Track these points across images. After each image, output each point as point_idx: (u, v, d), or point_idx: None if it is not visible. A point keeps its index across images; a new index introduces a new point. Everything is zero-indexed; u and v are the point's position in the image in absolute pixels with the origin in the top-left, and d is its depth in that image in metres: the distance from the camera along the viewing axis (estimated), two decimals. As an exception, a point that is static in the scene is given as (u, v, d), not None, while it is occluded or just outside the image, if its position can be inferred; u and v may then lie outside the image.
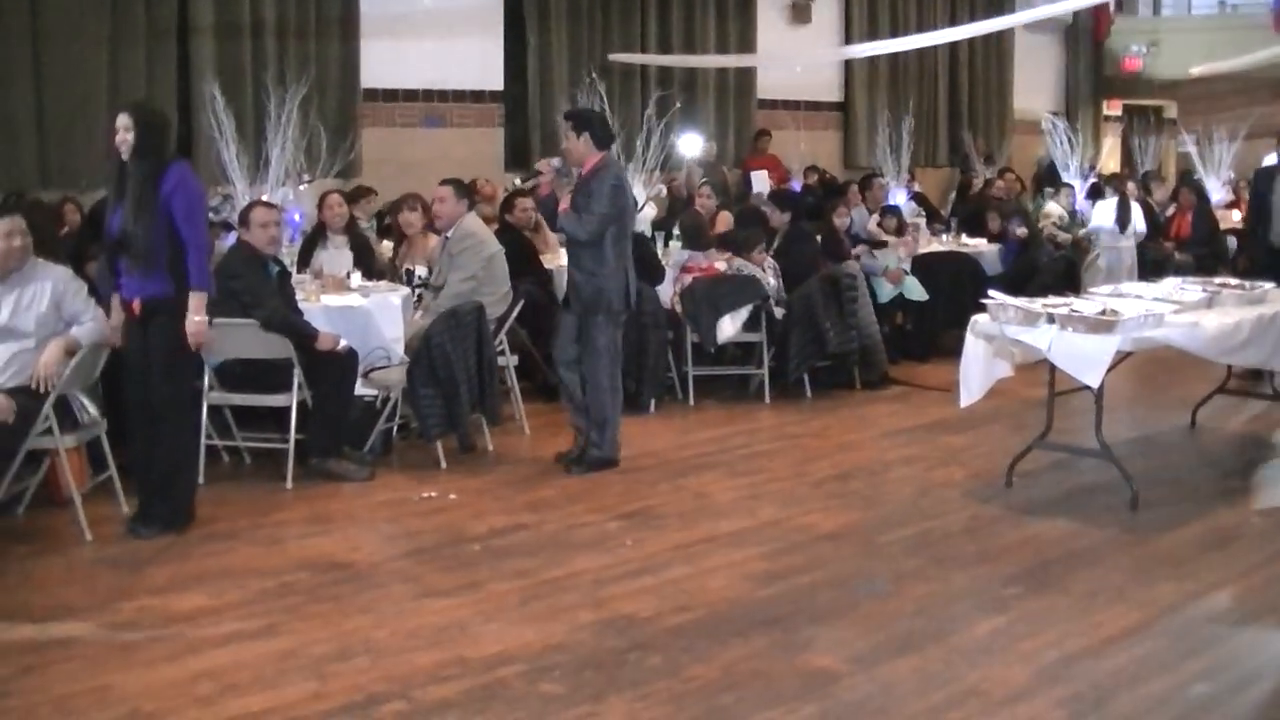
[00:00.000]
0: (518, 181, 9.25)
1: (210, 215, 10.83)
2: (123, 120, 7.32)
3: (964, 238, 15.26)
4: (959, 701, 5.40)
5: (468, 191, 10.48)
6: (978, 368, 8.53)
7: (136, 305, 7.35)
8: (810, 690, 5.51)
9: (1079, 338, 7.90)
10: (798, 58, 20.02)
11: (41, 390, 7.24)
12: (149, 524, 7.51)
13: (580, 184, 8.72)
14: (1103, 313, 8.01)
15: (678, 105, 16.18)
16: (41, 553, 7.23)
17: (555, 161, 8.98)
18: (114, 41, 13.78)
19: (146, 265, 7.25)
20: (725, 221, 13.27)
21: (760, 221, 12.60)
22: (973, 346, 8.53)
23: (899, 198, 16.94)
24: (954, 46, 22.21)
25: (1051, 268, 13.89)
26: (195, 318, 7.33)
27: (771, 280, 11.36)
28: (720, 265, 11.34)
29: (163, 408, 7.47)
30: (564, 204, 8.71)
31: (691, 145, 17.23)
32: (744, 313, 11.01)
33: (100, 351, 7.67)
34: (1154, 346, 8.37)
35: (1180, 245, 16.92)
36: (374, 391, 9.21)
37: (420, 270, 10.53)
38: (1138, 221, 16.04)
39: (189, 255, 7.29)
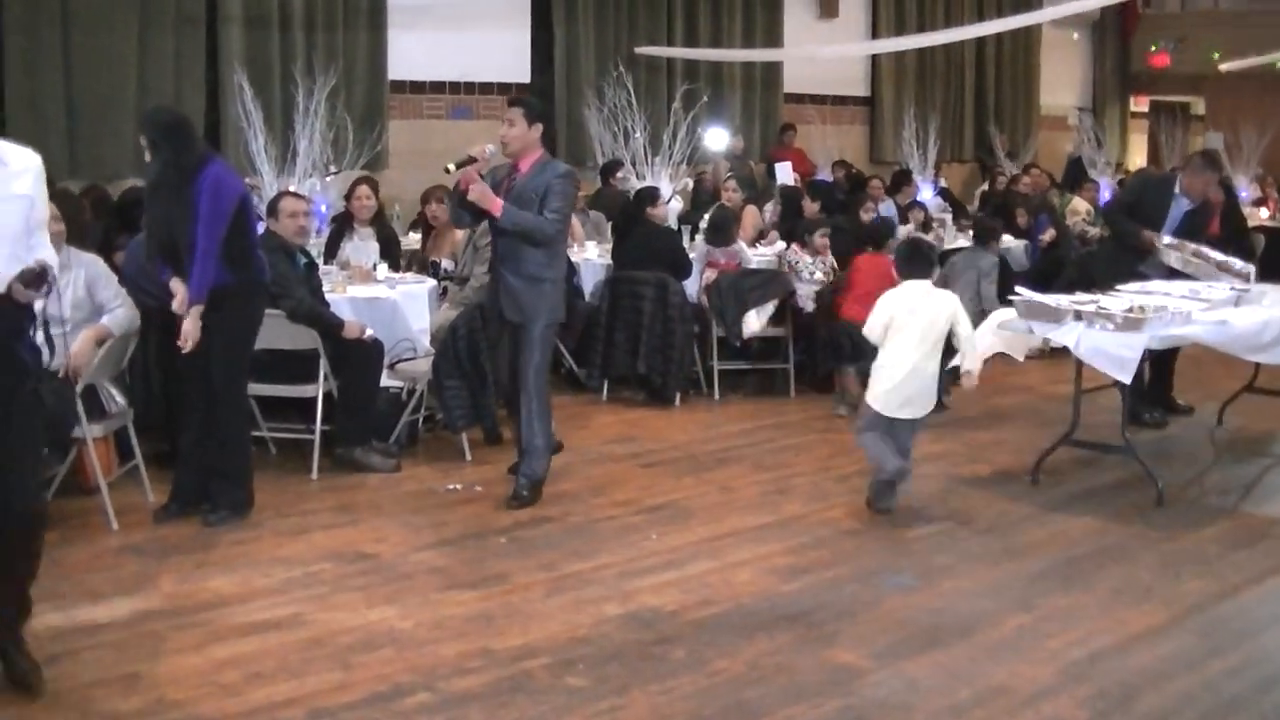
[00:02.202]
0: (451, 168, 7.96)
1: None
2: (142, 140, 7.39)
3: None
4: (984, 699, 5.40)
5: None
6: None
7: None
8: (834, 686, 5.50)
9: (1107, 335, 7.88)
10: (824, 52, 20.00)
11: (72, 380, 7.27)
12: (216, 510, 7.59)
13: (524, 181, 7.92)
14: (1130, 310, 7.99)
15: (704, 99, 16.14)
16: (69, 541, 7.24)
17: (491, 148, 7.96)
18: (143, 31, 13.85)
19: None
20: (752, 216, 13.29)
21: (798, 210, 12.72)
22: (983, 329, 8.53)
23: (925, 193, 16.91)
24: (981, 42, 22.19)
25: (1078, 264, 13.84)
26: (188, 325, 7.24)
27: (818, 273, 11.36)
28: (753, 261, 11.37)
29: (222, 395, 7.52)
30: (495, 205, 7.75)
31: (717, 139, 17.20)
32: (770, 307, 10.99)
33: (129, 340, 7.70)
34: (1181, 344, 8.36)
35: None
36: (400, 383, 9.22)
37: (446, 263, 10.55)
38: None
39: (195, 260, 7.19)
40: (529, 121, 7.92)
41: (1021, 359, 8.94)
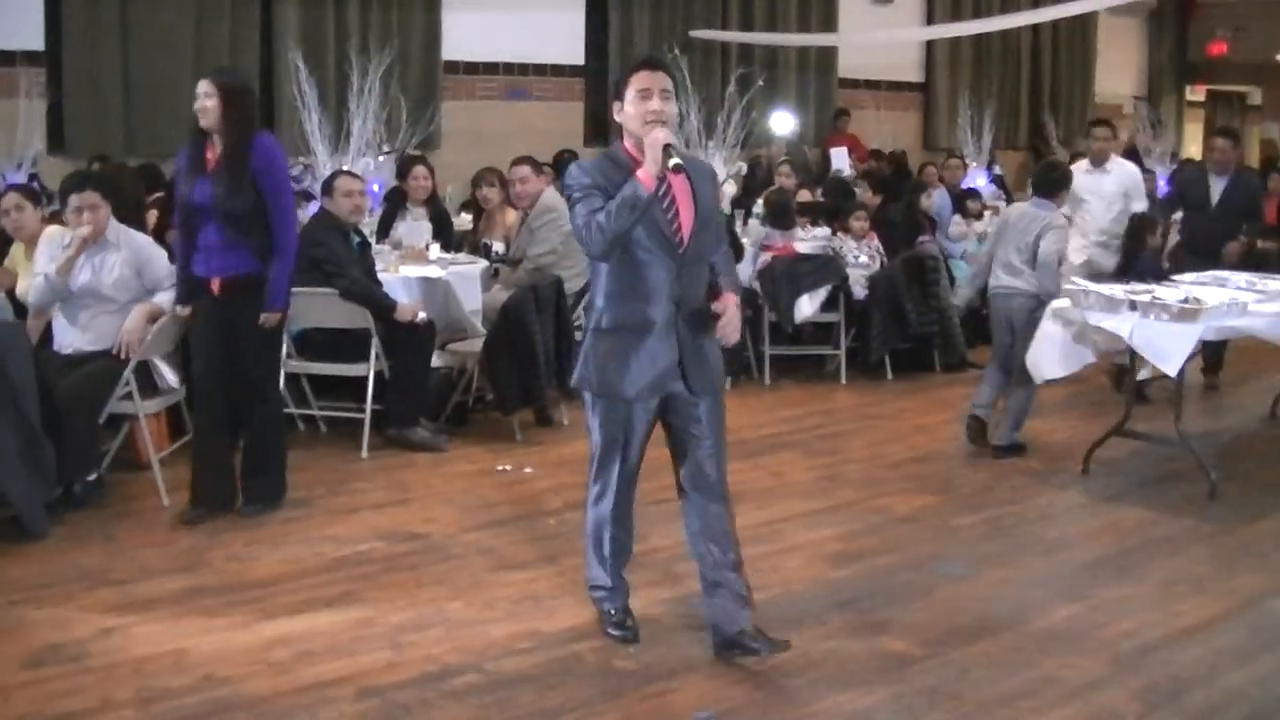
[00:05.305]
0: (680, 162, 5.24)
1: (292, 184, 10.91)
2: (203, 87, 7.01)
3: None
4: (1034, 689, 5.36)
5: (541, 167, 10.51)
6: (1052, 349, 8.44)
7: (216, 284, 7.12)
8: (884, 673, 5.48)
9: (1161, 325, 7.82)
10: (879, 37, 19.91)
11: (123, 356, 7.32)
12: (251, 502, 7.45)
13: (698, 187, 5.42)
14: (1186, 301, 7.92)
15: (759, 83, 16.08)
16: (121, 516, 7.32)
17: (668, 134, 5.22)
18: (199, 9, 13.93)
19: (235, 240, 7.04)
20: (806, 200, 13.27)
21: (848, 196, 12.67)
22: (1048, 329, 8.45)
23: (979, 180, 16.81)
24: (1037, 28, 22.01)
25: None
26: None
27: (863, 257, 11.36)
28: (802, 247, 11.30)
29: (257, 386, 7.37)
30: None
31: (783, 123, 17.18)
32: (822, 293, 10.97)
33: (181, 319, 7.71)
34: (1236, 336, 8.30)
35: (1266, 233, 16.65)
36: (451, 363, 9.24)
37: (498, 245, 10.56)
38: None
39: (279, 228, 7.10)
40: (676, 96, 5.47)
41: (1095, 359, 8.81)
